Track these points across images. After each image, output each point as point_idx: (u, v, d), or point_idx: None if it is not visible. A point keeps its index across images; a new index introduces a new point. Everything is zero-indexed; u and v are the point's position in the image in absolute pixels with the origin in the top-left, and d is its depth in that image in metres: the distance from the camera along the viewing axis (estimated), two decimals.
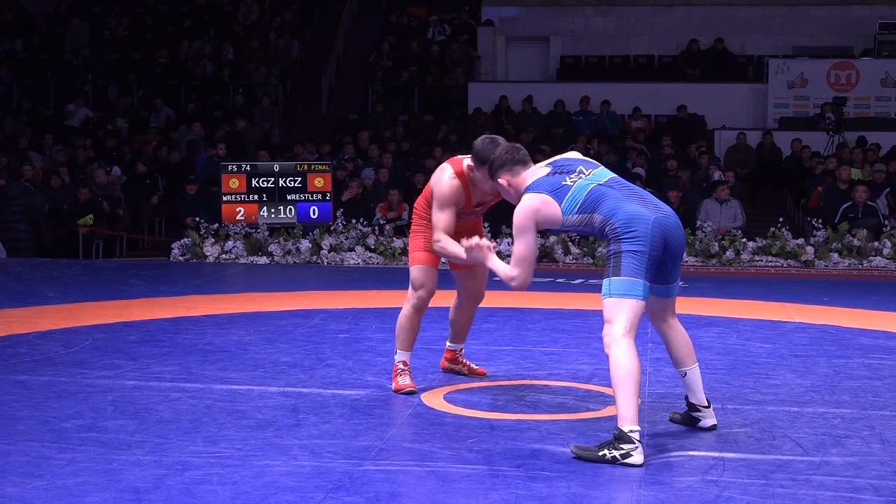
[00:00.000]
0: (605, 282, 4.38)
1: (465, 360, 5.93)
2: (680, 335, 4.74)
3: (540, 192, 4.54)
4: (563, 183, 4.53)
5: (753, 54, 19.85)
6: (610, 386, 5.57)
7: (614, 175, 4.62)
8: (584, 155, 4.82)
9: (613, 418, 4.94)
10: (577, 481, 4.01)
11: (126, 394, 5.32)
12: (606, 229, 4.41)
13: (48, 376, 5.72)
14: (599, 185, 4.51)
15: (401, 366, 5.49)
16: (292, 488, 3.87)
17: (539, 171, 4.68)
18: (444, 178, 5.32)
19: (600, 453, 4.25)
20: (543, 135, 17.14)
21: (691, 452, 4.40)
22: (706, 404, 4.76)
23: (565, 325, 7.65)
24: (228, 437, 4.55)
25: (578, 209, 4.46)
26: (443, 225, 5.27)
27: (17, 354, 6.34)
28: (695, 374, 4.73)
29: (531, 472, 4.10)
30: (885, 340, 7.21)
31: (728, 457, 4.33)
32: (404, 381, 5.45)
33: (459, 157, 5.42)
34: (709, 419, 4.76)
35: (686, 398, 4.80)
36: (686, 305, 8.66)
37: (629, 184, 4.62)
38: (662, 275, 4.54)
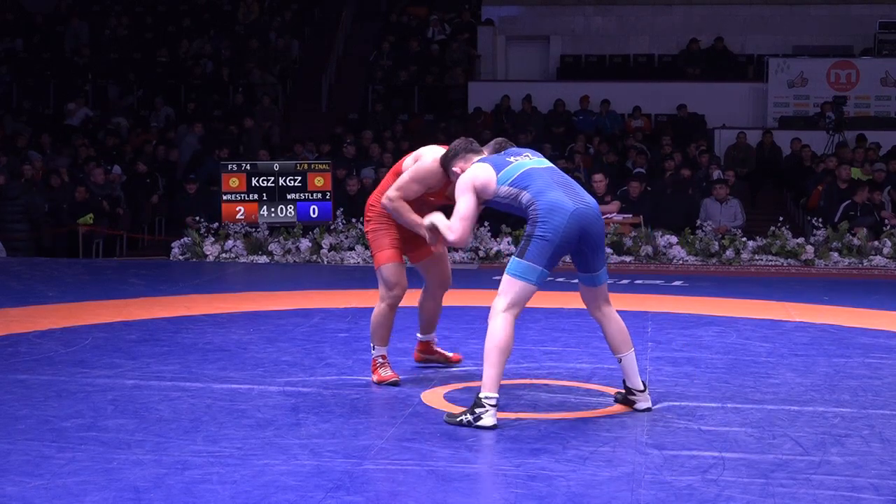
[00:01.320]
0: (512, 259, 4.84)
1: (439, 350, 6.06)
2: (614, 323, 5.03)
3: (485, 163, 5.03)
4: (507, 160, 5.01)
5: (753, 53, 19.84)
6: (609, 385, 5.62)
7: (553, 165, 5.05)
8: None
9: (614, 417, 4.97)
10: (576, 480, 4.01)
11: (126, 393, 5.32)
12: (529, 211, 4.82)
13: (48, 375, 5.72)
14: (536, 167, 4.94)
15: (380, 360, 5.65)
16: (292, 487, 3.87)
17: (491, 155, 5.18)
18: (434, 157, 5.42)
19: (458, 418, 4.73)
20: (543, 134, 17.13)
21: (691, 452, 4.40)
22: (641, 388, 5.05)
23: (565, 324, 7.65)
24: (228, 436, 4.55)
25: (511, 182, 4.89)
26: (404, 194, 5.40)
27: (17, 353, 6.34)
28: (629, 359, 5.03)
29: (531, 472, 4.10)
30: (885, 339, 7.21)
31: (728, 456, 4.33)
32: (386, 372, 5.60)
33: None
34: (643, 402, 5.06)
35: (623, 381, 5.10)
36: (686, 305, 8.68)
37: (562, 174, 5.02)
38: (583, 263, 4.93)
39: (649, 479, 4.03)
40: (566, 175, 5.04)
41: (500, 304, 4.80)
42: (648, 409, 5.03)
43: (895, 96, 18.42)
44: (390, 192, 5.43)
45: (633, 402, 5.07)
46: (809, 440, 4.58)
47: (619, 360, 5.06)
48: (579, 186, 4.97)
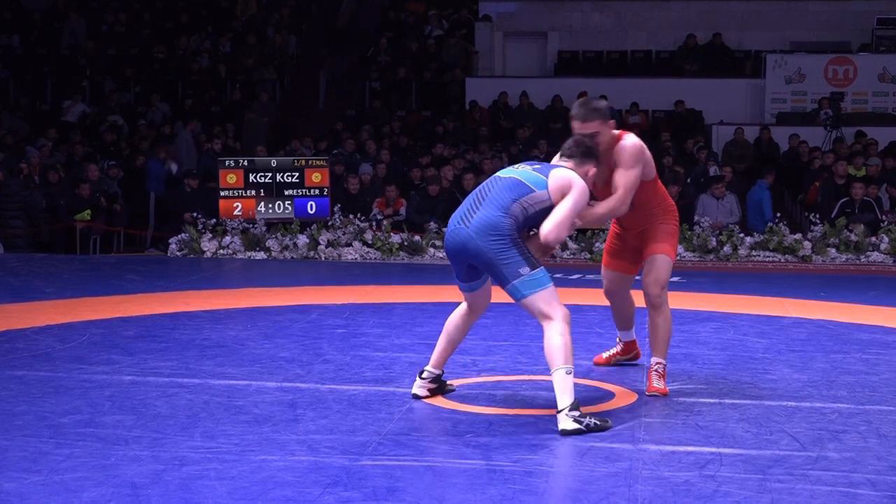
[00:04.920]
0: None
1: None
2: (545, 339, 4.75)
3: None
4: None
5: (751, 49, 19.84)
6: (606, 381, 5.62)
7: (511, 178, 4.90)
8: None
9: (608, 413, 4.96)
10: (574, 476, 4.01)
11: (123, 389, 5.33)
12: None
13: (46, 371, 5.72)
14: (491, 178, 5.01)
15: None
16: (290, 483, 3.87)
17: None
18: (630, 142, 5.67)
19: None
20: (541, 130, 17.12)
21: (688, 447, 4.40)
22: (559, 408, 4.60)
23: None
24: (226, 432, 4.55)
25: None
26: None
27: (14, 350, 6.34)
28: (554, 377, 4.66)
29: (529, 467, 4.10)
30: (882, 335, 7.21)
31: (725, 452, 4.33)
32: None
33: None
34: (561, 422, 4.59)
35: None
36: (684, 301, 8.67)
37: (495, 186, 4.89)
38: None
39: (647, 474, 4.03)
40: (495, 188, 4.85)
41: None
42: (564, 433, 4.51)
43: (893, 92, 18.42)
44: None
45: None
46: (807, 436, 4.59)
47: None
48: (492, 203, 4.78)
